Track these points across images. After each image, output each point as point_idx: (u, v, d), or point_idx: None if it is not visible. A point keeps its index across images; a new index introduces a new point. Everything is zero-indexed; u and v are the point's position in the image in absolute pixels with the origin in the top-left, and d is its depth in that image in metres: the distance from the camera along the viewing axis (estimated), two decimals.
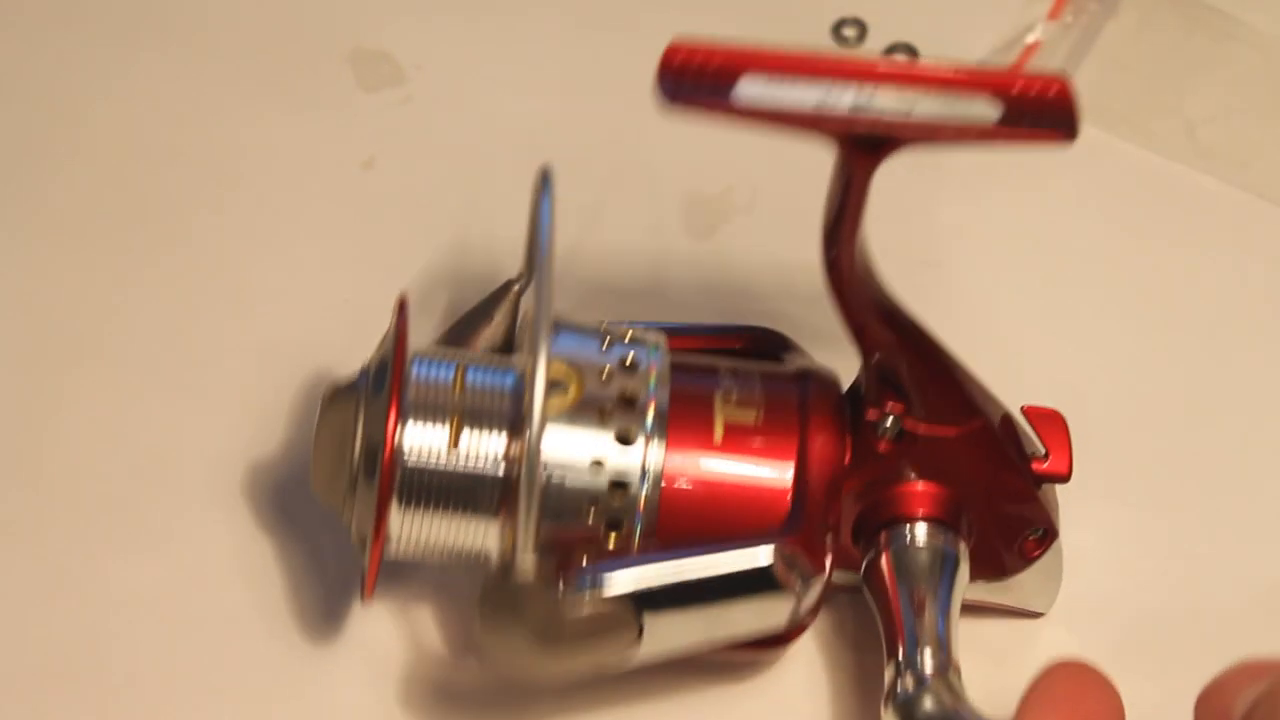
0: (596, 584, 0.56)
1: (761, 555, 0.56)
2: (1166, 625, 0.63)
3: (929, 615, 0.57)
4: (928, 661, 0.56)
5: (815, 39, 0.76)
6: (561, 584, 0.56)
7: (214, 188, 0.72)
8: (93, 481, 0.64)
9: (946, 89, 0.51)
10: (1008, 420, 0.59)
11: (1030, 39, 0.76)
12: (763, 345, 0.62)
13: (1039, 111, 0.51)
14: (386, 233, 0.70)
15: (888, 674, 0.57)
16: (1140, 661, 0.62)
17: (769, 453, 0.58)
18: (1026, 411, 0.59)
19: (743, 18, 0.76)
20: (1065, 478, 0.59)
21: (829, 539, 0.58)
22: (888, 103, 0.51)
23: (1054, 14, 0.77)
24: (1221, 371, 0.69)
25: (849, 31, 0.77)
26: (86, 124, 0.73)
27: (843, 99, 0.51)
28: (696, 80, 0.51)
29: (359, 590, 0.62)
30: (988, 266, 0.71)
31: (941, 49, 0.76)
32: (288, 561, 0.63)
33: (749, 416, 0.58)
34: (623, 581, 0.55)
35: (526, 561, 0.55)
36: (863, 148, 0.52)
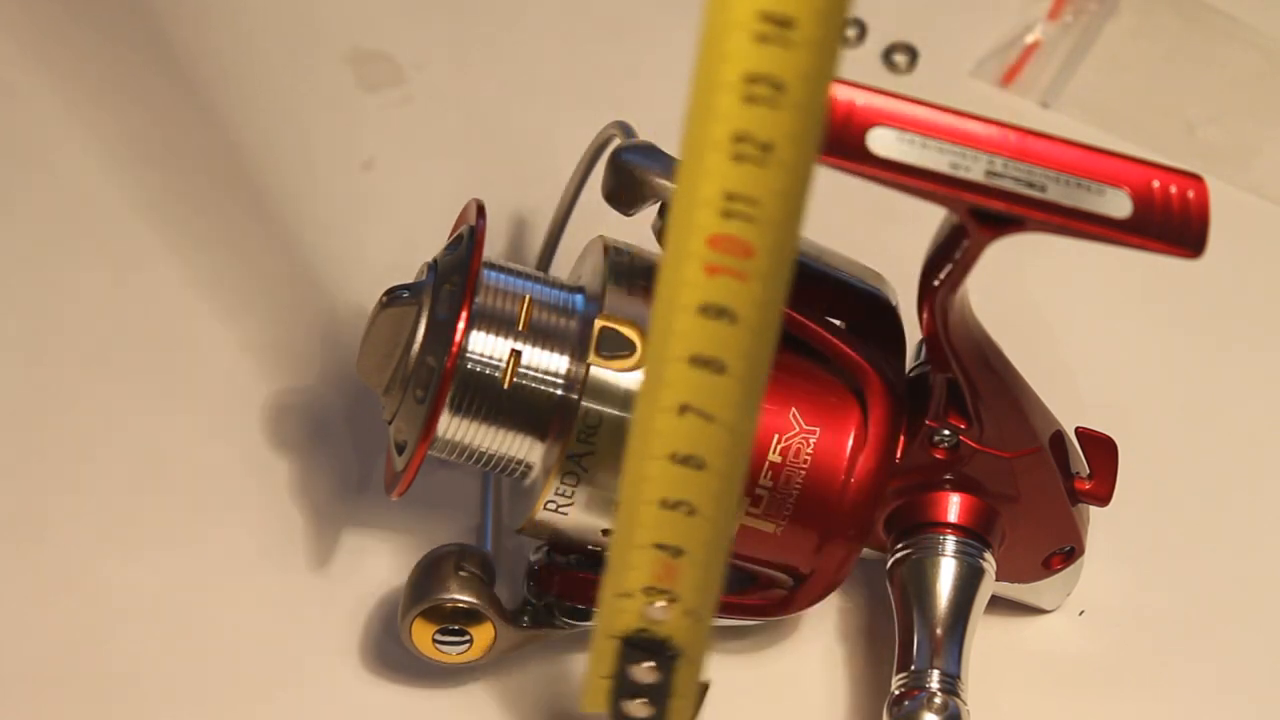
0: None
1: None
2: (1168, 623, 0.64)
3: (945, 631, 0.57)
4: (935, 681, 0.56)
5: None
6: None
7: (214, 187, 0.72)
8: (92, 482, 0.64)
9: (1080, 173, 0.50)
10: (1059, 438, 0.59)
11: (1030, 39, 0.76)
12: (867, 312, 0.59)
13: (1169, 217, 0.50)
14: (386, 233, 0.70)
15: (895, 680, 0.57)
16: (1141, 659, 0.63)
17: (822, 446, 0.57)
18: (1080, 432, 0.59)
19: None
20: (1104, 502, 0.59)
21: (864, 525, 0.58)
22: (1019, 177, 0.51)
23: (1054, 14, 0.77)
24: (1219, 371, 0.69)
25: (849, 31, 0.76)
26: (85, 123, 0.73)
27: (975, 167, 0.50)
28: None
29: (365, 593, 0.62)
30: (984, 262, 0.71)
31: (941, 49, 0.76)
32: (291, 562, 0.63)
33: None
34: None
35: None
36: (987, 222, 0.51)
